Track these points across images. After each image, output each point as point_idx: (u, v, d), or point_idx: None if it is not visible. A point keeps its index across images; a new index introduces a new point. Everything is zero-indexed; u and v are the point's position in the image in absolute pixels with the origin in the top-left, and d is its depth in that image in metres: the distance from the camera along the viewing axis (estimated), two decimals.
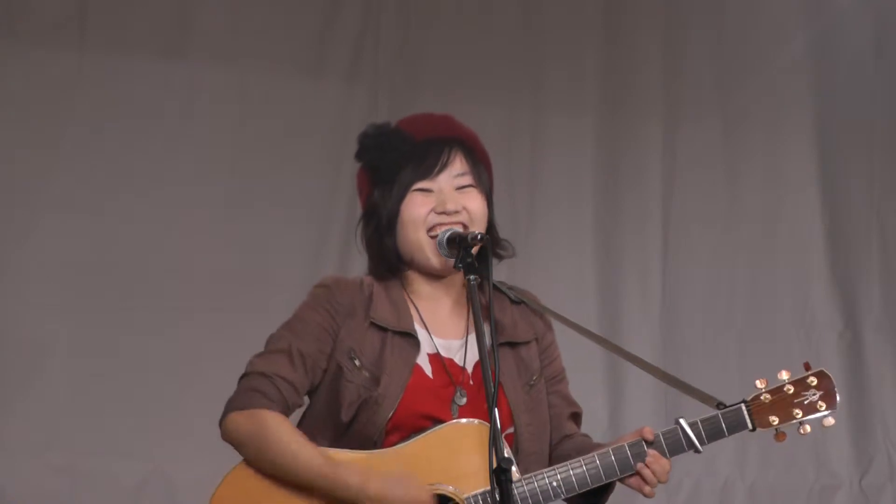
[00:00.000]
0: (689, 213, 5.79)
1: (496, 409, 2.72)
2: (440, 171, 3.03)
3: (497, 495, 2.73)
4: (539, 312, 3.17)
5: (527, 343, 3.11)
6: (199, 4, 5.15)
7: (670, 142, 5.80)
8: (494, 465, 2.70)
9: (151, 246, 4.99)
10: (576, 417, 3.17)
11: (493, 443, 2.70)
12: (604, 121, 5.73)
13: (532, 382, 3.08)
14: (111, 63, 5.02)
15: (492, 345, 2.90)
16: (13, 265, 4.87)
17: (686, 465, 5.58)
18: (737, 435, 3.06)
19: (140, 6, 5.06)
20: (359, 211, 3.16)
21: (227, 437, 2.98)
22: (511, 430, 2.99)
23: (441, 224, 3.01)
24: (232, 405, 2.98)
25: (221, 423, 2.99)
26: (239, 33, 5.19)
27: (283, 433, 2.92)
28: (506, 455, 2.76)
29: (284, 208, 5.19)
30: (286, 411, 2.98)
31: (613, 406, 5.55)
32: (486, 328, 2.92)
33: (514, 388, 3.04)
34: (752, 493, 5.69)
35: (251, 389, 2.97)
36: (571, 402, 3.17)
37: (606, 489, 3.02)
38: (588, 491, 2.98)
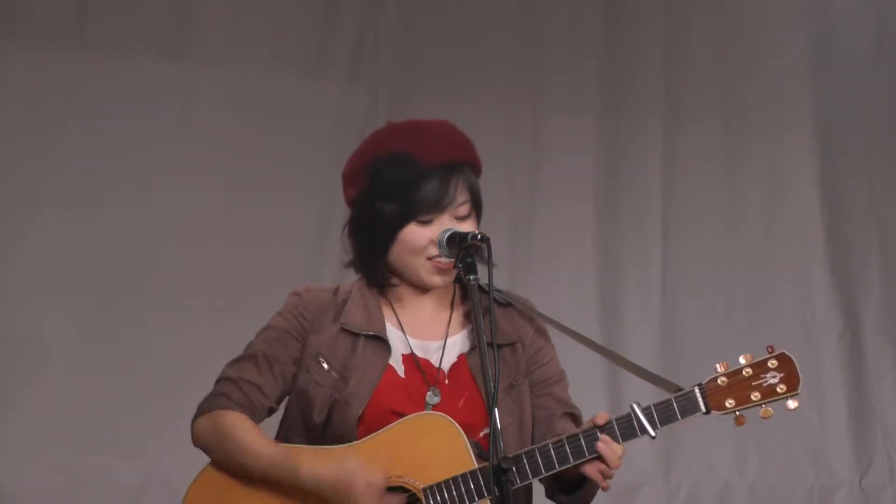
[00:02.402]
0: (689, 213, 5.79)
1: (495, 412, 2.72)
2: (446, 207, 3.05)
3: (495, 494, 2.74)
4: (530, 317, 3.17)
5: (511, 345, 3.12)
6: (199, 5, 5.15)
7: (670, 142, 5.80)
8: (494, 464, 2.70)
9: (151, 246, 4.99)
10: (573, 418, 3.15)
11: (493, 442, 2.70)
12: (604, 121, 5.73)
13: (514, 384, 3.08)
14: (111, 63, 5.02)
15: (491, 346, 2.90)
16: (13, 265, 4.88)
17: (686, 465, 5.60)
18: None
19: (140, 6, 5.07)
20: None
21: (194, 441, 3.07)
22: (487, 430, 2.98)
23: (439, 256, 3.03)
24: (198, 410, 3.08)
25: (191, 427, 3.07)
26: (239, 33, 5.19)
27: (237, 428, 2.99)
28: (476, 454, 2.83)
29: (284, 208, 5.19)
30: (253, 413, 3.05)
31: (613, 407, 5.54)
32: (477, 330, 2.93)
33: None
34: (752, 493, 5.69)
35: (217, 394, 3.07)
36: (566, 404, 3.16)
37: (585, 482, 3.00)
38: (566, 483, 2.98)
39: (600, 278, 5.68)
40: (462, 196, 3.07)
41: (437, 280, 3.07)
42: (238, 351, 3.14)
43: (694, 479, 5.64)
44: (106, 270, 4.94)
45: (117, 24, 5.04)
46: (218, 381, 3.09)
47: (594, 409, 5.57)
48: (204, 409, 3.06)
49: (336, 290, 3.15)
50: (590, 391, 5.39)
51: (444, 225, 3.04)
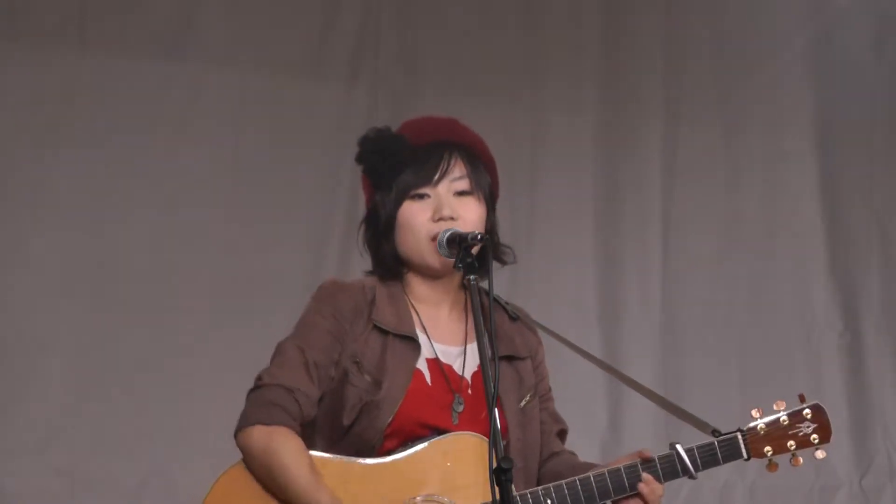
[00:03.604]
0: (689, 214, 5.79)
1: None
2: (440, 178, 3.02)
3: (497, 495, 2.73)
4: (531, 328, 3.15)
5: (523, 359, 3.10)
6: (199, 5, 5.15)
7: (670, 142, 5.80)
8: (494, 465, 2.68)
9: (151, 246, 4.99)
10: (562, 434, 3.17)
11: (493, 443, 2.68)
12: (604, 121, 5.73)
13: (527, 399, 3.07)
14: (111, 64, 5.02)
15: (492, 346, 2.89)
16: (14, 265, 4.87)
17: None
18: (757, 461, 3.05)
19: (140, 7, 5.06)
20: (358, 211, 3.16)
21: (244, 446, 2.95)
22: (504, 442, 2.96)
23: (441, 231, 2.99)
24: (256, 417, 2.95)
25: (241, 431, 2.96)
26: (239, 34, 5.19)
27: (292, 461, 2.89)
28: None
29: (284, 209, 5.19)
30: (301, 424, 2.97)
31: (613, 410, 5.54)
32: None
33: (511, 403, 3.03)
34: (751, 493, 5.69)
35: (274, 404, 2.94)
36: (558, 420, 3.17)
37: None
38: None
39: (600, 278, 5.68)
40: (458, 170, 3.03)
41: (438, 262, 3.01)
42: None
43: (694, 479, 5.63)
44: (106, 270, 4.94)
45: (117, 24, 5.04)
46: (269, 387, 2.96)
47: (595, 416, 5.60)
48: (263, 418, 2.93)
49: (363, 286, 3.07)
50: (590, 395, 5.39)
51: (441, 199, 3.00)
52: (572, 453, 3.15)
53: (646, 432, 5.26)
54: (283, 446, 2.90)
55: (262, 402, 2.96)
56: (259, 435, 2.93)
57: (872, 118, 5.99)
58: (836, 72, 5.98)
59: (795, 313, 5.86)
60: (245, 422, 2.96)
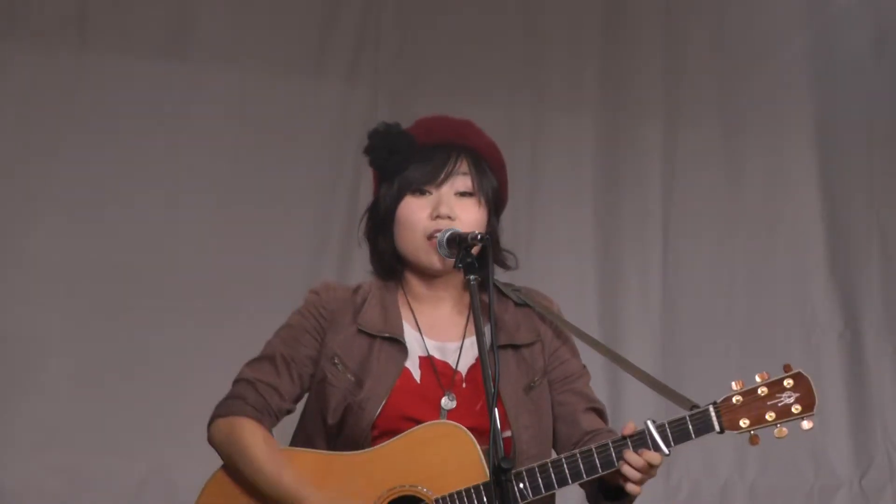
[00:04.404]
0: (689, 214, 5.79)
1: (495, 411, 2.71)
2: (444, 179, 3.03)
3: (496, 494, 2.72)
4: (539, 314, 3.14)
5: (529, 345, 3.09)
6: (199, 5, 5.15)
7: (670, 142, 5.80)
8: (494, 464, 2.69)
9: (151, 246, 4.99)
10: (598, 413, 3.13)
11: (493, 443, 2.68)
12: (604, 121, 5.73)
13: (533, 384, 3.06)
14: (111, 64, 5.03)
15: (492, 346, 2.89)
16: (13, 265, 4.88)
17: (686, 465, 5.60)
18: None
19: (140, 7, 5.07)
20: (358, 211, 3.17)
21: (210, 441, 3.05)
22: (508, 433, 2.97)
23: (438, 229, 3.00)
24: (216, 412, 3.05)
25: (207, 431, 3.06)
26: (239, 34, 5.20)
27: (250, 446, 2.97)
28: (482, 458, 2.82)
29: (284, 208, 5.19)
30: (269, 416, 3.03)
31: (614, 401, 5.54)
32: (487, 329, 2.91)
33: (513, 392, 3.02)
34: (752, 493, 5.69)
35: (234, 396, 3.04)
36: (590, 399, 3.14)
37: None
38: (607, 486, 2.97)
39: (600, 278, 5.68)
40: (462, 170, 3.04)
41: (436, 261, 3.02)
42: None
43: (694, 479, 5.64)
44: (106, 270, 4.94)
45: (117, 24, 5.05)
46: (236, 382, 3.06)
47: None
48: (221, 412, 3.04)
49: (356, 289, 3.11)
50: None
51: (443, 198, 3.01)
52: (610, 431, 3.10)
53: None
54: (241, 431, 2.98)
55: (225, 398, 3.06)
56: (220, 427, 3.02)
57: (872, 118, 5.98)
58: (836, 72, 5.97)
59: (795, 313, 5.86)
60: (210, 418, 3.06)
